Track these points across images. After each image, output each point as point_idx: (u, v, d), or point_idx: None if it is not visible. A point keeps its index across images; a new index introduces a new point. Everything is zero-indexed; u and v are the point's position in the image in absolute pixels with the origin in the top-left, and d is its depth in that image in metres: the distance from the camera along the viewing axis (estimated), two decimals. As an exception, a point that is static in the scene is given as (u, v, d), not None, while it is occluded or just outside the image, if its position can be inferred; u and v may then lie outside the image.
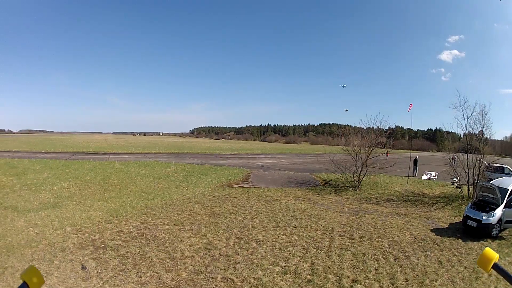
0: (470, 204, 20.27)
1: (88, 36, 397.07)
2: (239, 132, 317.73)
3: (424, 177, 41.59)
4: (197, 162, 46.75)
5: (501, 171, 37.37)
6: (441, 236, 17.83)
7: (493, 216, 17.96)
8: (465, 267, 13.62)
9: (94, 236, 15.02)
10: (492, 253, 2.78)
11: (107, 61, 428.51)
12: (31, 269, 2.48)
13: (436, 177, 41.44)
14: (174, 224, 17.27)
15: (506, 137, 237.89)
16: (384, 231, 18.10)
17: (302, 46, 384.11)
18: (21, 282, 2.39)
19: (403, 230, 18.51)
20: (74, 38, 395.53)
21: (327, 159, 33.59)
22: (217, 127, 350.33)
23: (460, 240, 17.22)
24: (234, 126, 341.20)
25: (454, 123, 30.41)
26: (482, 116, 27.07)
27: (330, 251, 14.40)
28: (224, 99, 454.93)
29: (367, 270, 12.67)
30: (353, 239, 16.38)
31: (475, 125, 27.79)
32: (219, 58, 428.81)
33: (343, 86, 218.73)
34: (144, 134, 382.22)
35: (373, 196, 28.66)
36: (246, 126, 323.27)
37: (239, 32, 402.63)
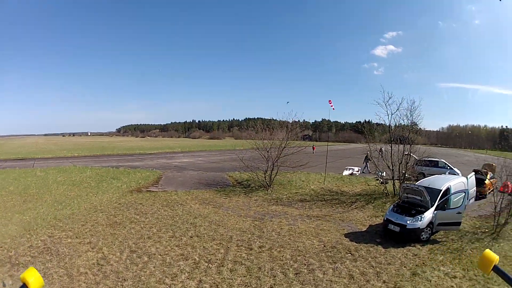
0: (392, 206, 20.06)
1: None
2: (164, 129, 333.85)
3: (345, 172, 41.71)
4: (113, 165, 47.24)
5: (434, 165, 38.02)
6: (357, 242, 17.28)
7: (421, 220, 17.72)
8: (384, 282, 12.68)
9: (11, 252, 15.08)
10: (492, 255, 3.11)
11: (41, 60, 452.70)
12: (30, 271, 2.90)
13: (359, 172, 41.87)
14: (76, 237, 17.08)
15: (442, 127, 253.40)
16: (289, 239, 17.48)
17: (232, 42, 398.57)
18: (21, 283, 2.81)
19: (312, 237, 17.92)
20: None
21: (246, 155, 32.83)
22: (143, 124, 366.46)
23: (379, 247, 16.68)
24: (159, 124, 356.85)
25: (378, 117, 31.34)
26: (411, 112, 28.17)
27: (222, 266, 13.82)
28: (152, 96, 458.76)
29: (260, 289, 12.04)
30: (251, 249, 15.82)
31: (401, 121, 28.71)
32: (149, 55, 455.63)
33: (287, 103, 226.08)
34: (73, 134, 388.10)
35: (284, 196, 28.40)
36: (172, 123, 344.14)
37: (165, 28, 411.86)
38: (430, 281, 13.00)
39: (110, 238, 16.95)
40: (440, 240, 18.37)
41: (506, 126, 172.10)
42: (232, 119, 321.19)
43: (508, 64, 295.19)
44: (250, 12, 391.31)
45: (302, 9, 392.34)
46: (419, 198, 19.54)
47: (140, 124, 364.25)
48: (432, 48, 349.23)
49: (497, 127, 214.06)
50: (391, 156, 28.20)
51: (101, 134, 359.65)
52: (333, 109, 39.86)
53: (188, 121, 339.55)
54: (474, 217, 23.32)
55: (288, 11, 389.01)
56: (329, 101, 38.52)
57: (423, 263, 14.92)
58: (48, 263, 13.81)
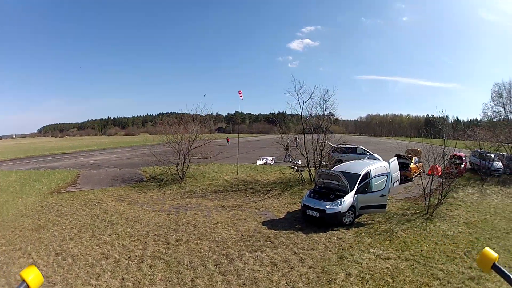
0: (308, 192, 20.10)
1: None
2: (82, 128, 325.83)
3: (259, 162, 42.04)
4: (35, 167, 45.43)
5: (352, 151, 38.58)
6: (276, 230, 17.18)
7: (341, 204, 17.81)
8: (310, 267, 12.48)
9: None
10: (491, 253, 3.09)
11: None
12: (30, 268, 2.96)
13: (273, 161, 41.93)
14: (9, 244, 16.49)
15: (361, 117, 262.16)
16: (205, 230, 17.33)
17: (144, 37, 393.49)
18: (21, 280, 2.87)
19: (228, 227, 17.83)
20: None
21: (158, 150, 32.93)
22: (62, 123, 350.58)
23: (300, 233, 16.58)
24: (77, 122, 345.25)
25: (288, 108, 31.81)
26: (324, 100, 29.10)
27: (142, 262, 13.56)
28: (69, 93, 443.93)
29: (182, 283, 11.77)
30: (168, 243, 15.56)
31: (314, 109, 30.35)
32: (65, 50, 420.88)
33: (205, 95, 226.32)
34: (0, 138, 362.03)
35: (198, 188, 28.41)
36: (88, 120, 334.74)
37: (74, 23, 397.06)
38: (361, 264, 12.85)
39: (37, 242, 16.48)
40: (365, 223, 18.64)
41: (432, 115, 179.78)
42: (146, 114, 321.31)
43: (432, 58, 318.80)
44: (160, 4, 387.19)
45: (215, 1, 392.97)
46: (337, 183, 19.60)
47: (59, 124, 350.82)
48: (352, 43, 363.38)
49: (421, 116, 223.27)
50: (304, 144, 28.70)
51: (24, 136, 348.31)
52: (242, 98, 39.85)
53: (104, 118, 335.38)
54: (401, 199, 24.04)
55: (201, 2, 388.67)
56: (239, 91, 39.37)
57: (350, 246, 14.92)
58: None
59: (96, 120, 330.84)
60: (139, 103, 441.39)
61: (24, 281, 2.84)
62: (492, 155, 33.98)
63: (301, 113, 29.98)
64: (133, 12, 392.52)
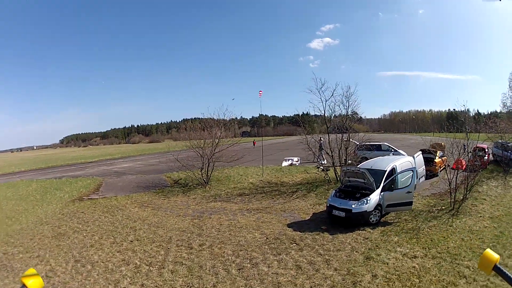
0: (334, 191, 19.76)
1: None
2: (105, 137, 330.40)
3: (285, 163, 41.62)
4: (57, 176, 45.98)
5: (377, 148, 38.17)
6: (301, 232, 16.83)
7: (367, 203, 17.44)
8: (336, 269, 12.15)
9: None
10: (492, 255, 3.08)
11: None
12: (31, 272, 2.99)
13: (298, 162, 41.75)
14: (27, 252, 16.47)
15: (384, 115, 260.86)
16: (230, 234, 17.12)
17: (164, 44, 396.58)
18: (21, 285, 2.89)
19: (253, 230, 17.60)
20: None
21: (182, 155, 32.68)
22: (85, 133, 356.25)
23: (326, 234, 16.27)
24: (100, 131, 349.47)
25: (311, 107, 31.76)
26: (347, 98, 28.89)
27: (163, 267, 13.38)
28: (90, 103, 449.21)
29: (203, 289, 11.60)
30: (191, 248, 15.35)
31: (337, 107, 29.98)
32: (82, 60, 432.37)
33: (233, 99, 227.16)
34: (20, 150, 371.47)
35: (223, 192, 28.10)
36: (112, 129, 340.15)
37: (94, 33, 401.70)
38: (387, 264, 12.56)
39: (56, 249, 16.47)
40: (392, 221, 18.24)
41: (454, 109, 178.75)
42: (170, 121, 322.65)
43: (450, 51, 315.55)
44: (176, 7, 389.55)
45: (234, 5, 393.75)
46: (362, 180, 19.19)
47: (82, 133, 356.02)
48: (370, 39, 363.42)
49: (443, 110, 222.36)
50: (329, 143, 28.65)
51: (46, 147, 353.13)
52: (260, 96, 40.05)
53: (127, 126, 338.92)
54: (427, 195, 23.49)
55: (220, 7, 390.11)
56: (260, 91, 40.25)
57: (377, 246, 14.61)
58: (5, 279, 13.47)
59: (119, 128, 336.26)
60: (162, 109, 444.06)
61: (24, 285, 2.86)
62: None
63: (324, 111, 29.52)
64: (150, 16, 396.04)
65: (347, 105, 29.29)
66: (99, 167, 57.49)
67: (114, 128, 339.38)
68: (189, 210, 22.92)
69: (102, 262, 14.41)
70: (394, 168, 19.71)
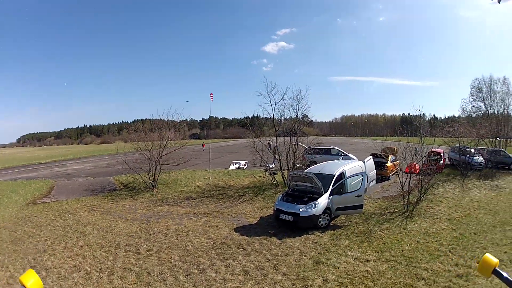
0: (281, 195, 19.92)
1: None
2: (59, 136, 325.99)
3: (232, 167, 41.83)
4: (13, 178, 45.02)
5: (327, 152, 38.69)
6: (248, 236, 16.98)
7: (315, 207, 17.63)
8: (285, 274, 12.11)
9: None
10: (491, 259, 3.11)
11: None
12: (29, 273, 2.99)
13: (246, 165, 41.62)
14: None
15: (336, 118, 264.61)
16: (177, 239, 17.07)
17: (115, 45, 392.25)
18: (19, 286, 3.23)
19: (199, 235, 17.58)
20: None
21: (131, 157, 32.86)
22: (40, 133, 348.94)
23: (274, 239, 16.40)
24: (54, 130, 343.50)
25: (261, 109, 32.07)
26: (297, 101, 29.30)
27: (113, 274, 13.26)
28: (46, 102, 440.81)
29: (152, 295, 11.57)
30: (139, 254, 15.26)
31: (286, 111, 30.65)
32: (35, 58, 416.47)
33: (187, 102, 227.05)
34: None
35: (170, 196, 28.18)
36: (65, 129, 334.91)
37: (46, 31, 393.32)
38: (338, 268, 12.55)
39: (14, 255, 16.24)
40: (342, 225, 18.54)
41: (408, 114, 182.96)
42: (121, 121, 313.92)
43: (409, 57, 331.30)
44: (127, 7, 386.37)
45: (188, 6, 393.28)
46: (310, 185, 19.37)
47: (37, 133, 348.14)
48: (326, 44, 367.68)
49: (397, 114, 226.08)
50: (276, 147, 29.04)
51: (4, 146, 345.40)
52: (212, 100, 40.07)
53: (80, 126, 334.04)
54: (379, 198, 24.26)
55: (174, 8, 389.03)
56: (210, 94, 40.15)
57: (326, 250, 14.67)
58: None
59: (72, 128, 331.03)
60: (114, 110, 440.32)
61: (24, 286, 2.86)
62: (472, 150, 34.59)
63: (273, 115, 29.92)
64: (100, 15, 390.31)
65: (297, 109, 29.74)
66: (52, 168, 57.04)
67: (68, 128, 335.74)
68: (137, 214, 22.94)
69: (55, 268, 14.23)
70: (343, 172, 20.07)
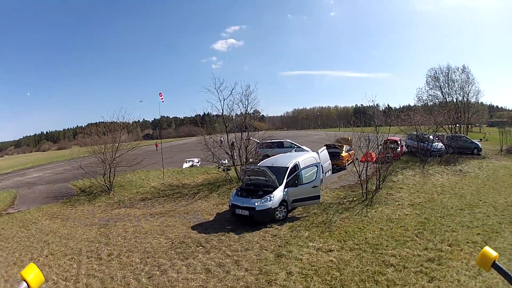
0: (235, 191, 20.20)
1: None
2: (18, 145, 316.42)
3: (185, 165, 41.91)
4: None
5: (279, 145, 38.83)
6: (206, 234, 17.12)
7: (270, 200, 17.84)
8: (247, 270, 12.25)
9: None
10: (491, 252, 3.17)
11: None
12: (30, 267, 3.00)
13: (199, 163, 42.15)
14: None
15: (287, 112, 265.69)
16: (136, 241, 17.14)
17: (64, 43, 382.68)
18: (20, 280, 2.87)
19: (158, 235, 17.71)
20: None
21: (87, 161, 32.76)
22: (1, 142, 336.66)
23: (232, 234, 16.58)
24: (13, 139, 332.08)
25: (209, 106, 32.20)
26: (246, 96, 30.06)
27: (78, 281, 13.24)
28: (4, 110, 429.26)
29: (116, 301, 11.69)
30: (101, 259, 15.28)
31: (236, 106, 31.25)
32: None
33: (141, 101, 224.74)
34: None
35: (126, 198, 28.21)
36: (24, 137, 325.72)
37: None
38: (301, 260, 12.68)
39: None
40: (300, 216, 18.81)
41: (362, 105, 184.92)
42: (76, 126, 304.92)
43: (362, 51, 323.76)
44: (72, 12, 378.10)
45: (135, 5, 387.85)
46: (264, 178, 19.47)
47: None
48: (276, 40, 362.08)
49: (350, 106, 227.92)
50: (228, 143, 29.58)
51: None
52: (162, 101, 40.04)
53: (37, 133, 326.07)
54: (336, 188, 24.56)
55: (121, 6, 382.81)
56: (160, 93, 40.00)
57: (287, 243, 14.80)
58: None
59: (30, 136, 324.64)
60: (68, 114, 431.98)
61: (24, 280, 2.86)
62: (431, 137, 35.41)
63: (222, 111, 30.82)
64: (43, 16, 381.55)
65: (247, 104, 30.31)
66: (13, 178, 56.35)
67: (26, 136, 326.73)
68: (95, 218, 22.98)
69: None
70: (297, 164, 20.18)
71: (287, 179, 18.95)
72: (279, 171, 19.28)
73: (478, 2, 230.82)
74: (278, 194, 18.12)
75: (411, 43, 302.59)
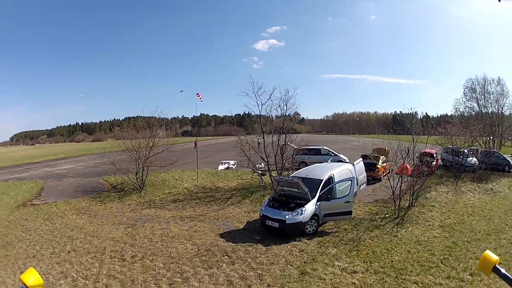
0: (267, 200, 19.68)
1: None
2: (51, 134, 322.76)
3: (221, 167, 41.62)
4: (4, 179, 44.66)
5: (316, 152, 38.70)
6: (234, 243, 16.77)
7: (302, 214, 17.37)
8: (269, 285, 11.96)
9: None
10: (491, 256, 3.20)
11: None
12: (30, 271, 3.04)
13: (235, 165, 41.35)
14: None
15: (327, 116, 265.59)
16: (162, 245, 16.91)
17: (111, 44, 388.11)
18: (20, 284, 2.94)
19: (185, 240, 17.38)
20: None
21: (120, 157, 32.84)
22: (33, 131, 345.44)
23: (260, 246, 16.19)
24: (46, 128, 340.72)
25: (247, 110, 31.89)
26: (285, 101, 28.80)
27: (98, 281, 13.16)
28: (38, 99, 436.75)
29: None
30: (124, 260, 15.13)
31: (274, 111, 30.13)
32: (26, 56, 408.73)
33: (181, 91, 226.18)
34: None
35: (157, 198, 27.92)
36: (57, 127, 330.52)
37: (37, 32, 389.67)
38: (325, 280, 12.28)
39: (5, 260, 16.33)
40: (330, 231, 18.23)
41: (401, 112, 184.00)
42: (113, 119, 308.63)
43: (400, 56, 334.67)
44: (118, 9, 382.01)
45: (177, 4, 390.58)
46: (297, 190, 18.94)
47: (30, 131, 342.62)
48: (317, 42, 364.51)
49: (389, 112, 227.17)
50: (264, 148, 28.41)
51: None
52: (201, 100, 40.11)
53: (72, 124, 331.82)
54: (369, 202, 23.89)
55: (163, 5, 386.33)
56: (197, 94, 40.28)
57: (313, 260, 14.40)
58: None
59: (64, 126, 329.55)
60: (105, 107, 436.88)
61: (24, 284, 2.89)
62: (466, 151, 34.23)
63: (260, 116, 30.05)
64: (88, 12, 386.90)
65: (285, 109, 29.30)
66: (43, 168, 56.99)
67: (60, 126, 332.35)
68: (124, 217, 22.81)
69: (44, 274, 13.88)
70: (331, 177, 19.72)
71: (320, 192, 18.50)
72: (313, 183, 18.87)
73: None
74: (310, 208, 17.68)
75: (448, 50, 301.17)
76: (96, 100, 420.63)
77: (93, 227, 20.67)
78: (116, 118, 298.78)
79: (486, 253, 3.23)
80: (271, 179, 27.07)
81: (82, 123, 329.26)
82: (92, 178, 39.80)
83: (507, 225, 19.36)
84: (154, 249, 16.42)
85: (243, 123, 35.28)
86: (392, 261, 13.85)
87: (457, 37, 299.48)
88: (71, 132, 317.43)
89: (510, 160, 40.33)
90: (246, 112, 40.15)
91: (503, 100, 56.36)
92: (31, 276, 2.95)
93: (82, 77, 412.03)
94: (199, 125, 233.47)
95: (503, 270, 3.08)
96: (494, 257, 3.16)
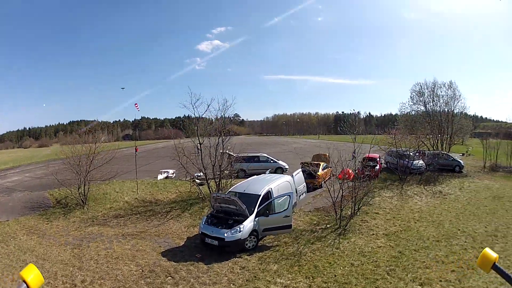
0: (205, 217, 20.11)
1: None
2: (1, 140, 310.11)
3: (160, 176, 40.06)
4: None
5: (255, 160, 39.42)
6: (176, 262, 17.04)
7: (240, 231, 17.95)
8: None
9: None
10: (491, 254, 3.39)
11: None
12: (30, 268, 3.17)
13: (174, 174, 40.49)
14: None
15: (267, 117, 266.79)
16: (107, 267, 16.97)
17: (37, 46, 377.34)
18: (20, 280, 3.05)
19: (128, 261, 17.53)
20: None
21: (64, 167, 32.41)
22: None
23: (201, 264, 16.60)
24: None
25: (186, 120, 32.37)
26: (223, 112, 30.36)
27: None
28: None
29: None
30: (75, 286, 15.26)
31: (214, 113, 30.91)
32: None
33: (123, 88, 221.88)
34: None
35: (100, 213, 27.78)
36: (7, 132, 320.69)
37: None
38: (266, 299, 12.17)
39: None
40: (270, 245, 18.92)
41: (343, 112, 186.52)
42: (57, 123, 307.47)
43: (347, 57, 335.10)
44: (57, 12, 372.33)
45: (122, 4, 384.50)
46: (234, 207, 19.32)
47: None
48: (261, 43, 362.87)
49: (331, 113, 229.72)
50: (202, 160, 29.14)
51: None
52: (138, 110, 40.35)
53: (20, 129, 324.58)
54: (310, 211, 24.41)
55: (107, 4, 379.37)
56: (135, 104, 40.68)
57: (255, 277, 14.87)
58: None
59: (13, 131, 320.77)
60: (50, 111, 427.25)
61: (24, 281, 3.01)
62: (411, 154, 34.95)
63: (197, 128, 30.81)
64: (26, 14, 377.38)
65: (223, 119, 30.63)
66: None
67: (9, 131, 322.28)
68: (69, 237, 22.78)
69: None
70: (269, 191, 20.50)
71: (258, 208, 19.02)
72: (250, 198, 19.48)
73: (468, 9, 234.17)
74: (248, 224, 18.22)
75: (397, 52, 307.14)
76: (40, 105, 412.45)
77: (43, 249, 20.68)
78: (60, 123, 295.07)
79: (486, 250, 3.47)
80: (209, 189, 27.77)
81: (29, 128, 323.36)
82: (38, 192, 38.89)
83: (459, 229, 20.04)
84: (101, 272, 16.55)
85: (183, 125, 35.51)
86: (335, 276, 14.27)
87: (407, 40, 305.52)
88: (19, 138, 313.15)
89: (461, 161, 41.84)
90: (186, 115, 40.51)
91: (454, 103, 57.66)
92: (31, 273, 3.07)
93: (27, 80, 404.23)
94: (140, 129, 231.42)
95: (502, 268, 3.36)
96: (493, 254, 3.40)
